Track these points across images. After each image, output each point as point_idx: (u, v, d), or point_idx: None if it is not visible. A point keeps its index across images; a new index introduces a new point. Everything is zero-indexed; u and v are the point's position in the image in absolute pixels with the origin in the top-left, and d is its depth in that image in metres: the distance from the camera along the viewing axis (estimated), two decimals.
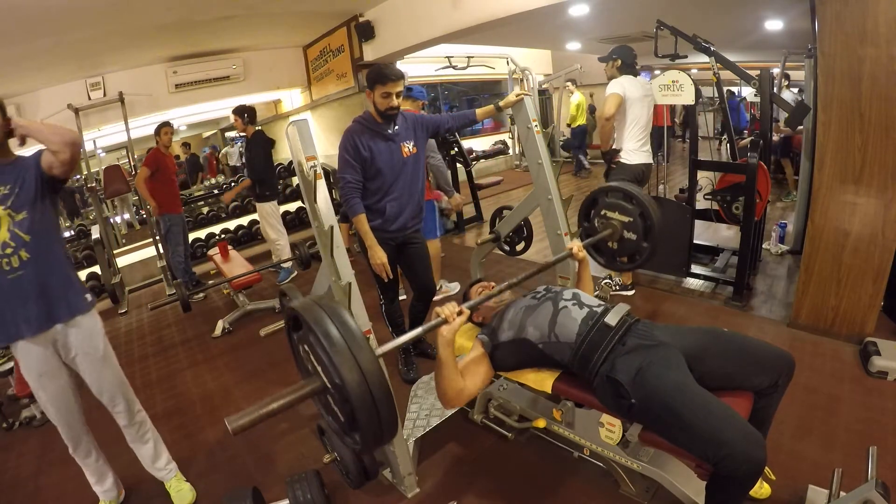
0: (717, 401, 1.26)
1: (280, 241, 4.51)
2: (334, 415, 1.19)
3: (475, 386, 1.61)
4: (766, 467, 1.59)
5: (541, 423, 1.79)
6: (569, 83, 8.14)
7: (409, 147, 2.29)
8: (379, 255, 2.22)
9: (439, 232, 3.56)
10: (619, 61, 3.08)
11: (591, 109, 8.77)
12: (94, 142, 5.85)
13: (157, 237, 4.78)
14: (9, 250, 1.52)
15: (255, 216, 5.74)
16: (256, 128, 4.30)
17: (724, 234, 4.20)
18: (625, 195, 2.14)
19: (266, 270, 4.47)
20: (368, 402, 1.06)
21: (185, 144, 10.23)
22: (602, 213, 2.21)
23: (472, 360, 1.66)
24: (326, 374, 1.11)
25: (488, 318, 1.82)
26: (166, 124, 4.18)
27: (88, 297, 1.74)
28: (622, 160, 3.11)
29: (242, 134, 4.36)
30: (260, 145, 4.22)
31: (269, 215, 4.43)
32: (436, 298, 2.94)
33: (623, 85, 2.99)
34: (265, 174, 4.30)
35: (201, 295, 4.45)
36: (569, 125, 8.35)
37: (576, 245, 1.93)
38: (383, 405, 1.09)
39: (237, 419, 1.01)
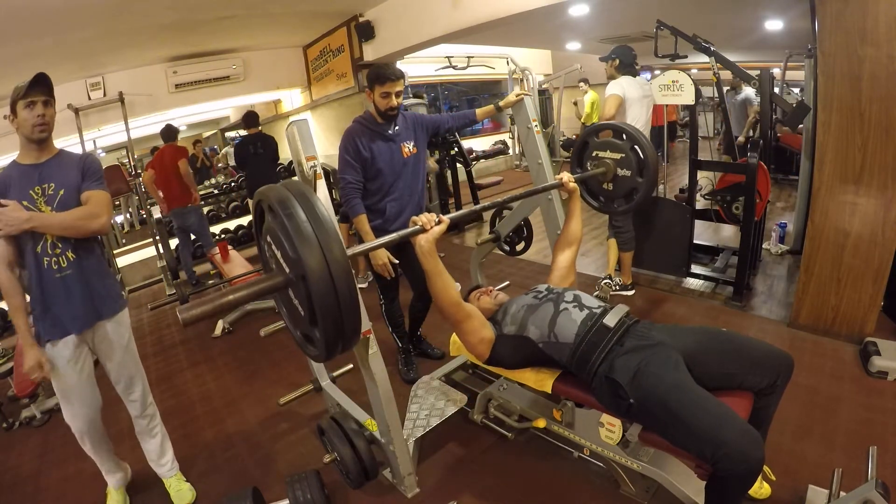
0: (715, 400, 1.26)
1: None
2: (296, 315, 1.10)
3: (475, 322, 1.61)
4: (767, 467, 1.59)
5: (541, 423, 1.80)
6: (582, 83, 8.17)
7: (409, 147, 2.30)
8: (381, 256, 2.22)
9: None
10: (618, 61, 3.09)
11: None
12: (94, 142, 5.84)
13: (157, 237, 4.79)
14: (57, 250, 1.58)
15: None
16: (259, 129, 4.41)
17: (724, 234, 4.20)
18: (615, 131, 2.11)
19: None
20: (327, 282, 0.96)
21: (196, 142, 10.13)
22: (594, 154, 2.16)
23: (479, 314, 1.66)
24: (287, 262, 1.02)
25: (488, 307, 1.82)
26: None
27: (124, 294, 1.78)
28: None
29: (242, 134, 4.44)
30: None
31: None
32: None
33: (622, 85, 2.99)
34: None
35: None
36: (584, 124, 8.41)
37: (566, 175, 1.85)
38: (344, 289, 0.98)
39: (188, 309, 0.94)
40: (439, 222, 1.39)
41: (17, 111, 1.53)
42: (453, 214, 1.47)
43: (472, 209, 1.63)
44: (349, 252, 1.10)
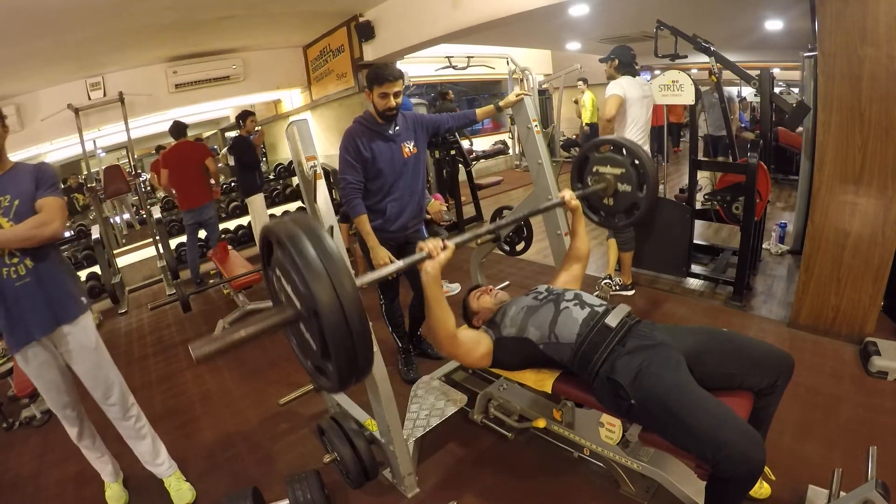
0: (716, 401, 1.26)
1: None
2: (307, 347, 1.11)
3: (471, 347, 1.61)
4: (767, 467, 1.59)
5: (541, 423, 1.79)
6: (580, 82, 8.17)
7: (409, 147, 2.30)
8: (382, 256, 2.22)
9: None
10: (617, 61, 3.08)
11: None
12: (94, 142, 5.84)
13: (158, 237, 4.79)
14: (15, 259, 1.60)
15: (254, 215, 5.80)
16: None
17: (722, 235, 4.20)
18: (615, 146, 2.10)
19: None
20: (340, 318, 0.97)
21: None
22: (595, 170, 2.15)
23: (471, 332, 1.67)
24: (298, 296, 1.02)
25: (487, 320, 1.82)
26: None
27: (84, 299, 1.82)
28: None
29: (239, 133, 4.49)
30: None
31: None
32: None
33: (623, 86, 2.99)
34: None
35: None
36: (587, 124, 8.44)
37: (567, 192, 1.86)
38: (359, 334, 0.99)
39: (200, 346, 0.95)
40: (444, 248, 1.39)
41: None
42: (458, 239, 1.49)
43: (475, 233, 1.62)
44: (359, 282, 1.11)
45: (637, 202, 2.07)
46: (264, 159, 4.80)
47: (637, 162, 2.02)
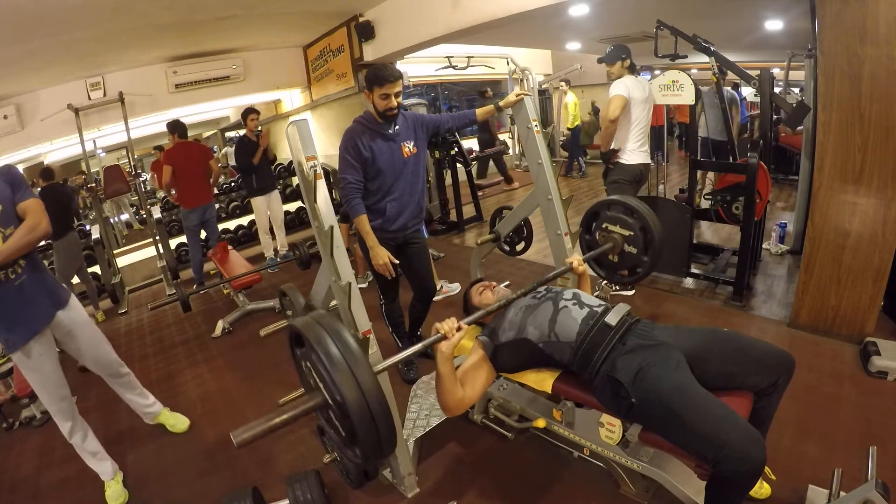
0: (717, 401, 1.26)
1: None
2: (336, 429, 1.22)
3: (475, 392, 1.60)
4: (767, 467, 1.59)
5: (541, 423, 1.80)
6: (563, 83, 8.10)
7: (409, 147, 2.29)
8: (381, 256, 2.22)
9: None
10: (629, 61, 3.05)
11: (596, 110, 8.77)
12: (95, 142, 5.84)
13: (158, 237, 4.79)
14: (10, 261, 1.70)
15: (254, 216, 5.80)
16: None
17: (724, 235, 4.20)
18: (626, 209, 2.16)
19: (265, 270, 4.49)
20: (367, 419, 1.10)
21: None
22: (603, 226, 2.23)
23: (471, 366, 1.64)
24: (328, 391, 1.14)
25: (489, 319, 1.82)
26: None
27: (65, 285, 2.02)
28: (621, 160, 3.11)
29: (241, 134, 4.47)
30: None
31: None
32: (436, 299, 2.94)
33: (627, 86, 2.97)
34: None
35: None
36: (569, 128, 8.28)
37: (576, 260, 1.93)
38: (382, 422, 1.12)
39: (241, 433, 1.05)
40: (459, 328, 1.44)
41: None
42: (470, 318, 1.54)
43: (488, 310, 1.62)
44: (378, 368, 1.25)
45: (640, 264, 2.15)
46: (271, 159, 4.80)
47: (646, 228, 2.09)
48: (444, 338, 1.44)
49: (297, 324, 1.21)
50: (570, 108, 8.14)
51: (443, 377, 1.48)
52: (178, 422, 2.46)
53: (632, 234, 2.12)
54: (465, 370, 1.62)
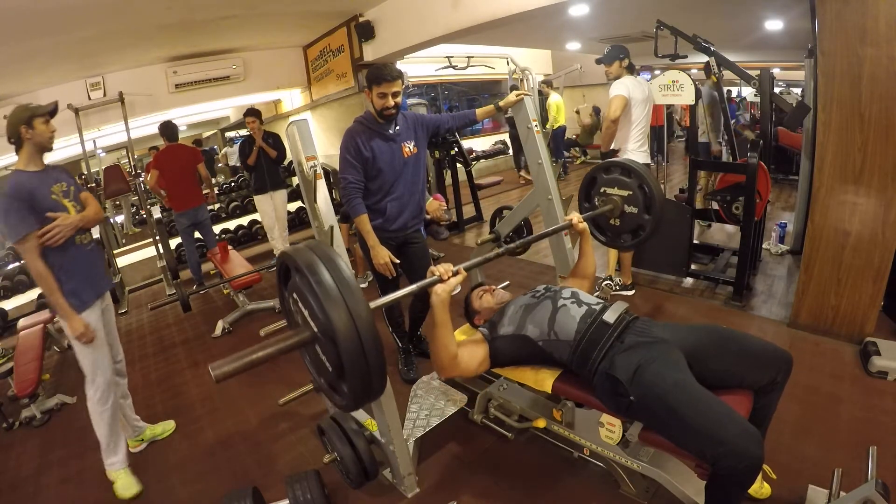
0: (716, 399, 1.26)
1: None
2: (321, 367, 1.16)
3: (471, 361, 1.60)
4: (767, 467, 1.59)
5: (541, 423, 1.79)
6: (544, 85, 8.03)
7: (409, 147, 2.30)
8: (382, 255, 2.23)
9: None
10: (627, 60, 3.05)
11: (597, 111, 8.76)
12: (94, 142, 5.85)
13: (158, 237, 4.79)
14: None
15: (255, 216, 5.78)
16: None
17: (721, 235, 4.20)
18: (622, 170, 2.13)
19: (266, 270, 4.48)
20: (357, 345, 1.03)
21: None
22: (602, 190, 2.20)
23: (471, 341, 1.67)
24: (314, 320, 1.08)
25: (487, 320, 1.82)
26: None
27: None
28: None
29: (242, 134, 4.46)
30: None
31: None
32: None
33: (627, 86, 2.97)
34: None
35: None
36: (552, 127, 8.12)
37: (575, 216, 1.90)
38: (372, 350, 1.05)
39: (220, 366, 0.99)
40: (456, 273, 1.43)
41: (34, 125, 1.85)
42: (468, 264, 1.52)
43: (485, 257, 1.63)
44: (373, 305, 1.18)
45: (643, 224, 2.12)
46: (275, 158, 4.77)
47: (644, 186, 2.06)
48: (441, 280, 1.40)
49: (287, 251, 1.15)
50: (553, 110, 8.09)
51: (439, 326, 1.46)
52: (165, 428, 2.45)
53: (630, 193, 2.09)
54: (464, 342, 1.64)
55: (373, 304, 1.18)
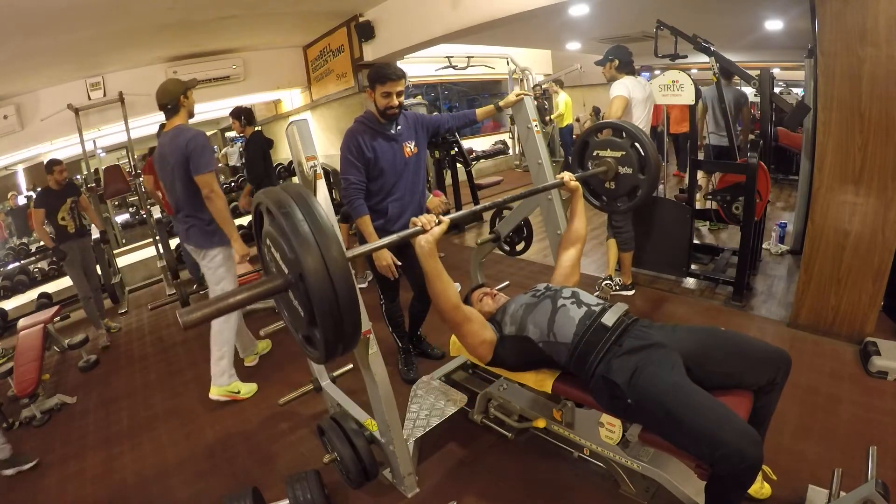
0: (714, 400, 1.26)
1: None
2: (296, 316, 1.10)
3: (475, 324, 1.60)
4: (768, 467, 1.59)
5: (541, 423, 1.79)
6: (553, 83, 8.08)
7: (410, 147, 2.30)
8: (385, 257, 2.22)
9: None
10: (617, 62, 3.07)
11: (597, 111, 8.76)
12: (94, 142, 5.84)
13: (158, 237, 4.78)
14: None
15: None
16: (255, 128, 4.36)
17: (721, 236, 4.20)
18: (615, 130, 2.12)
19: None
20: (326, 284, 0.96)
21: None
22: (595, 154, 2.18)
23: (479, 316, 1.65)
24: (286, 262, 1.02)
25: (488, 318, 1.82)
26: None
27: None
28: None
29: (242, 135, 4.43)
30: (258, 146, 4.31)
31: None
32: None
33: (628, 87, 2.98)
34: (264, 175, 4.34)
35: None
36: (561, 128, 8.19)
37: (567, 174, 1.86)
38: (343, 289, 0.98)
39: (188, 312, 0.94)
40: (439, 223, 1.40)
41: (188, 95, 2.58)
42: (453, 215, 1.48)
43: (472, 209, 1.63)
44: (349, 254, 1.10)
45: (638, 184, 2.08)
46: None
47: (637, 144, 2.03)
48: (423, 231, 1.37)
49: (261, 193, 1.09)
50: (561, 107, 8.13)
51: (432, 277, 1.44)
52: (267, 344, 3.13)
53: (624, 153, 2.07)
54: (476, 316, 1.63)
55: (349, 253, 1.13)
